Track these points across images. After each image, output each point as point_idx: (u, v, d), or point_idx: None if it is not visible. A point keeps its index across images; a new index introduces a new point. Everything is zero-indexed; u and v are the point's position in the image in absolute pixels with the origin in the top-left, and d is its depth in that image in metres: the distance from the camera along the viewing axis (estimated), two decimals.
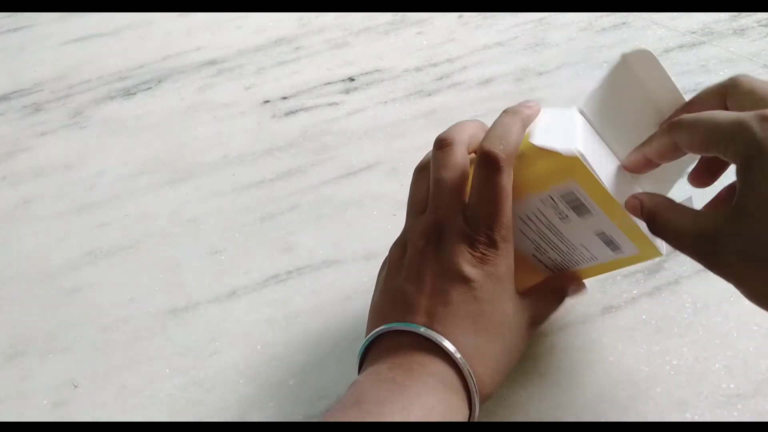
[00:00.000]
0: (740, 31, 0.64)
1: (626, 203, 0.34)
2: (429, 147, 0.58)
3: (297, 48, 0.71)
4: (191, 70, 0.70)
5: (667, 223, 0.32)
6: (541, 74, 0.63)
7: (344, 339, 0.45)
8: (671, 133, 0.33)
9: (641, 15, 0.67)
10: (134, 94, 0.69)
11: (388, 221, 0.53)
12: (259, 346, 0.46)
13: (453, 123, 0.60)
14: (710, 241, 0.30)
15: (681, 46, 0.62)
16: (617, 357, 0.42)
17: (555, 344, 0.43)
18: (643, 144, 0.35)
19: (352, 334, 0.44)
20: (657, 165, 0.35)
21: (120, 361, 0.46)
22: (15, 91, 0.71)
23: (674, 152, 0.34)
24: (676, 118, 0.33)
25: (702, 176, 0.38)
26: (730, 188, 0.36)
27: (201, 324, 0.48)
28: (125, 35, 0.77)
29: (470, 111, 0.61)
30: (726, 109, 0.33)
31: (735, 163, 0.30)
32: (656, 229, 0.33)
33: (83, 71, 0.72)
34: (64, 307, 0.50)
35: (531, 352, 0.42)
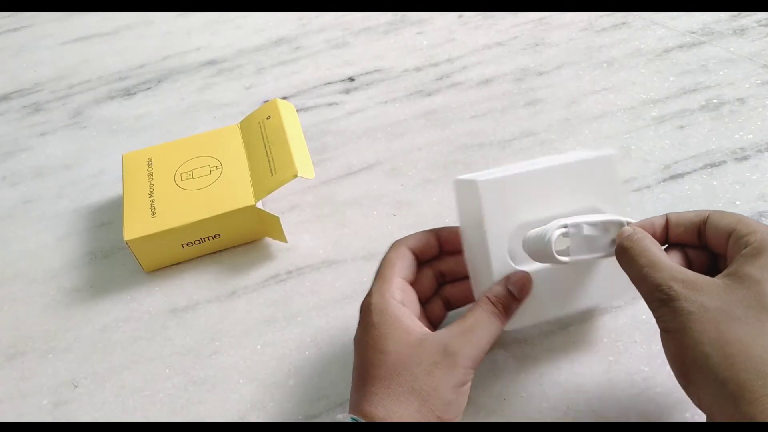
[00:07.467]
0: (740, 31, 0.64)
1: (622, 231, 0.37)
2: (429, 147, 0.58)
3: (297, 48, 0.71)
4: (191, 70, 0.71)
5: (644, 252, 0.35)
6: (541, 74, 0.63)
7: (344, 339, 0.45)
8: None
9: (641, 15, 0.67)
10: (134, 94, 0.69)
11: (388, 221, 0.53)
12: (259, 346, 0.46)
13: (453, 123, 0.60)
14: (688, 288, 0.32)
15: (681, 46, 0.62)
16: (617, 357, 0.42)
17: (555, 344, 0.43)
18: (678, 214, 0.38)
19: (352, 333, 0.44)
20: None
21: (120, 361, 0.46)
22: (15, 91, 0.71)
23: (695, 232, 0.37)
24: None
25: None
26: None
27: (201, 324, 0.48)
28: (125, 35, 0.77)
29: (470, 111, 0.61)
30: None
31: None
32: (629, 253, 0.36)
33: (83, 71, 0.72)
34: (64, 307, 0.50)
35: (531, 352, 0.42)
